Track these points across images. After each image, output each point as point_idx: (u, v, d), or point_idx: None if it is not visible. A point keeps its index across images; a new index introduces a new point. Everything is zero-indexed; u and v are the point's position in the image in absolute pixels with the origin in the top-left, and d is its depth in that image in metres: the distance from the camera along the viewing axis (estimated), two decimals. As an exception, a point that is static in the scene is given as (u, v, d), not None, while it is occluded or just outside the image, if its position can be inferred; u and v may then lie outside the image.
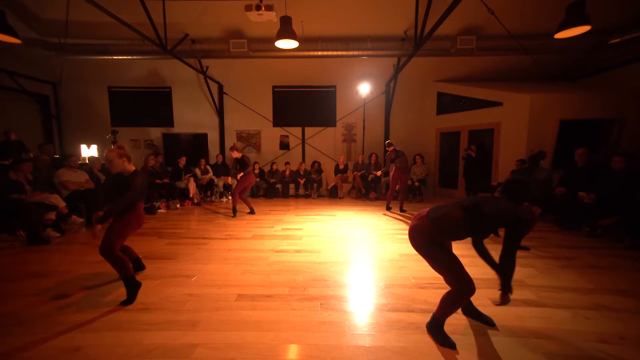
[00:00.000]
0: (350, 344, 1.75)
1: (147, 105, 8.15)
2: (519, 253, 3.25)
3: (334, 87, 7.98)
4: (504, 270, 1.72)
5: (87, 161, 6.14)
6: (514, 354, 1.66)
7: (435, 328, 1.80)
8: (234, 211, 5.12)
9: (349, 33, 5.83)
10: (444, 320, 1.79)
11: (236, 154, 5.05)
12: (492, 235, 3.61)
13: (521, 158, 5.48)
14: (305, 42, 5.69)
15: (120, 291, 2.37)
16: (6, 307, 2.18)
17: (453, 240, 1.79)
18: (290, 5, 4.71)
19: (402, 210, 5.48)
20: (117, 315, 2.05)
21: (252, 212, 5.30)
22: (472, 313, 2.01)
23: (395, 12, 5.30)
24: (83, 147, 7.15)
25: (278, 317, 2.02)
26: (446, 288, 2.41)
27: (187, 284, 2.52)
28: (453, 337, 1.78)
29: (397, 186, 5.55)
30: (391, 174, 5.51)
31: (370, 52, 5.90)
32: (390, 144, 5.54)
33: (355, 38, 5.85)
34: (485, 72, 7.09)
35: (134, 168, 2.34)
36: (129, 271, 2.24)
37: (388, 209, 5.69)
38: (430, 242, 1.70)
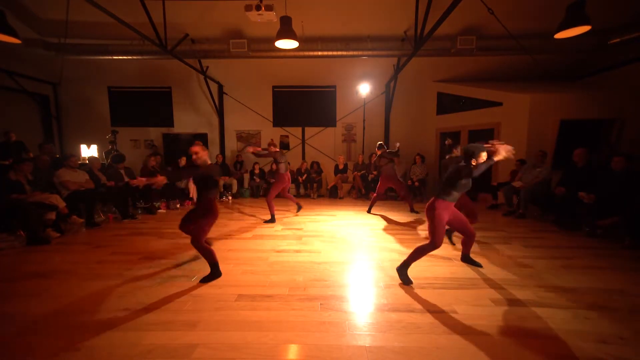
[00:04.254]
0: (350, 344, 1.75)
1: (147, 105, 8.15)
2: (519, 253, 3.26)
3: (334, 87, 7.98)
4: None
5: (87, 161, 6.14)
6: (514, 354, 1.66)
7: (403, 268, 2.54)
8: (273, 217, 4.74)
9: (349, 33, 5.83)
10: (411, 264, 2.55)
11: (273, 149, 4.75)
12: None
13: (521, 158, 5.49)
14: (305, 42, 5.69)
15: (119, 291, 2.38)
16: (6, 307, 2.18)
17: (451, 195, 2.42)
18: (290, 5, 4.71)
19: (413, 211, 5.21)
20: (117, 316, 2.04)
21: (299, 208, 5.31)
22: (466, 259, 2.94)
23: (395, 12, 5.30)
24: (83, 147, 7.16)
25: (278, 317, 2.02)
26: (446, 287, 2.44)
27: (187, 284, 2.51)
28: (452, 336, 1.79)
29: (399, 187, 5.23)
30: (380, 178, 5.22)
31: (370, 52, 5.90)
32: (380, 146, 5.18)
33: (355, 38, 5.85)
34: (485, 72, 7.09)
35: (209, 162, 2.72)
36: (214, 259, 2.62)
37: (369, 210, 5.40)
38: (431, 210, 2.43)
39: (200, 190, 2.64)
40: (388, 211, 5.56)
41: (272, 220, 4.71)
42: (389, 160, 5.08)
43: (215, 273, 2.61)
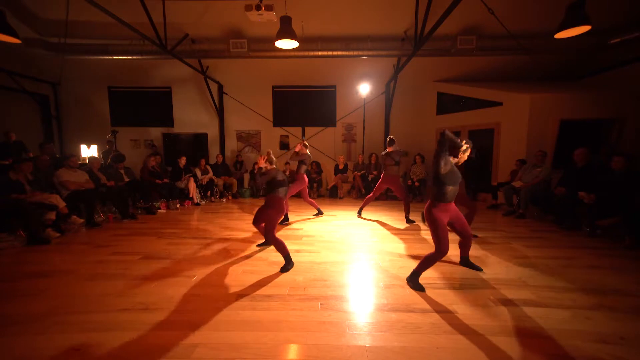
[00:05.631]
0: (350, 344, 1.75)
1: (147, 105, 8.15)
2: (519, 253, 3.26)
3: (334, 87, 7.98)
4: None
5: (87, 161, 6.14)
6: (514, 354, 1.66)
7: (414, 277, 2.46)
8: (286, 217, 4.75)
9: (349, 33, 5.83)
10: (421, 273, 2.47)
11: (304, 150, 4.63)
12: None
13: (521, 158, 5.49)
14: (305, 42, 5.69)
15: (119, 291, 2.39)
16: (6, 307, 2.18)
17: (444, 195, 2.38)
18: (290, 5, 4.71)
19: (408, 221, 4.64)
20: (117, 315, 2.04)
21: (319, 213, 5.17)
22: (466, 263, 2.86)
23: (395, 12, 5.30)
24: (83, 147, 7.15)
25: (278, 317, 2.02)
26: (446, 287, 2.44)
27: (187, 284, 2.51)
28: (452, 336, 1.79)
29: (394, 190, 4.82)
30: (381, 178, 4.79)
31: (370, 52, 5.90)
32: (391, 142, 4.65)
33: (355, 38, 5.85)
34: (485, 72, 7.09)
35: (274, 167, 3.07)
36: (286, 250, 2.85)
37: (359, 213, 5.12)
38: (429, 215, 2.39)
39: (269, 190, 2.99)
40: (388, 211, 5.56)
41: (286, 219, 4.73)
42: (396, 163, 4.62)
43: (289, 262, 2.85)
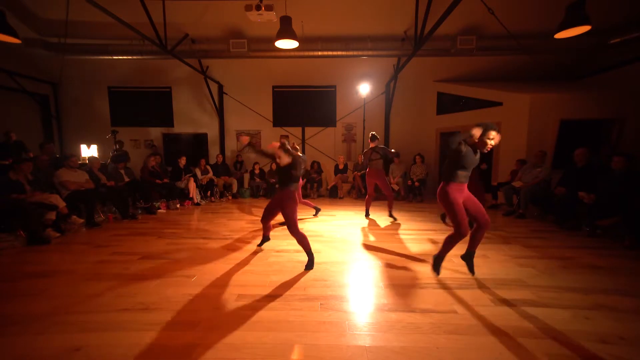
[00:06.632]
0: (350, 344, 1.75)
1: (147, 105, 8.15)
2: (519, 253, 3.26)
3: (334, 87, 7.98)
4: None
5: (87, 161, 6.14)
6: (514, 354, 1.66)
7: (438, 259, 2.61)
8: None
9: (349, 33, 5.84)
10: (444, 256, 2.60)
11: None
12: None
13: (521, 158, 5.49)
14: (305, 42, 5.69)
15: (119, 291, 2.39)
16: (6, 307, 2.18)
17: (456, 176, 2.34)
18: (290, 5, 4.72)
19: (390, 216, 4.76)
20: (117, 315, 2.04)
21: (317, 211, 5.17)
22: (467, 258, 2.69)
23: (395, 12, 5.31)
24: (83, 147, 7.15)
25: (278, 317, 2.02)
26: (446, 287, 2.44)
27: (187, 284, 2.51)
28: (452, 336, 1.79)
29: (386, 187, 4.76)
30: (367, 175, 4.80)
31: (370, 52, 5.90)
32: (373, 137, 4.72)
33: (355, 38, 5.86)
34: (485, 72, 7.09)
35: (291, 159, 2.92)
36: (308, 246, 2.86)
37: (367, 215, 5.02)
38: (444, 196, 2.36)
39: (282, 185, 2.93)
40: (387, 211, 5.55)
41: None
42: (381, 156, 4.66)
43: (311, 259, 2.88)
